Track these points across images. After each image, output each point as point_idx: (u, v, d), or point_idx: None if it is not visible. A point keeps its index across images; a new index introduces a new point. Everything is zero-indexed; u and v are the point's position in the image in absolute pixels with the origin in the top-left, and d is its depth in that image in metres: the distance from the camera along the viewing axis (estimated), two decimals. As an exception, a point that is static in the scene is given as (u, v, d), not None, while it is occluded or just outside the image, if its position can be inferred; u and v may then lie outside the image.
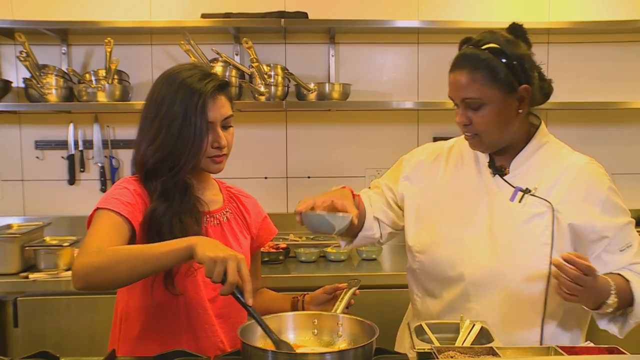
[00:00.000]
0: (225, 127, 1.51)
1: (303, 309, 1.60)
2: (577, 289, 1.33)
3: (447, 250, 1.59)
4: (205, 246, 1.23)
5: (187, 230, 1.43)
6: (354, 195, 1.61)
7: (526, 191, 1.52)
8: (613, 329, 1.50)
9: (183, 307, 1.49)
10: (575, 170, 1.53)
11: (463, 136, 1.60)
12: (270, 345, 1.33)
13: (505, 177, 1.56)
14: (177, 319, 1.50)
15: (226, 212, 1.62)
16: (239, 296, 1.23)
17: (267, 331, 1.27)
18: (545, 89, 1.56)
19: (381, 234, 1.75)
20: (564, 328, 1.55)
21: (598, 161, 1.59)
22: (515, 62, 1.46)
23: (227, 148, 1.52)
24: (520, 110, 1.50)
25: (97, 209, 1.41)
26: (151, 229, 1.42)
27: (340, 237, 1.73)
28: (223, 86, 1.51)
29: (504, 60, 1.45)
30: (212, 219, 1.56)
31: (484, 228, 1.55)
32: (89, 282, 1.28)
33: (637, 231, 1.54)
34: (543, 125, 1.59)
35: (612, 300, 1.39)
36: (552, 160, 1.55)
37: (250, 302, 1.24)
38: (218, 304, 1.53)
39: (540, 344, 1.49)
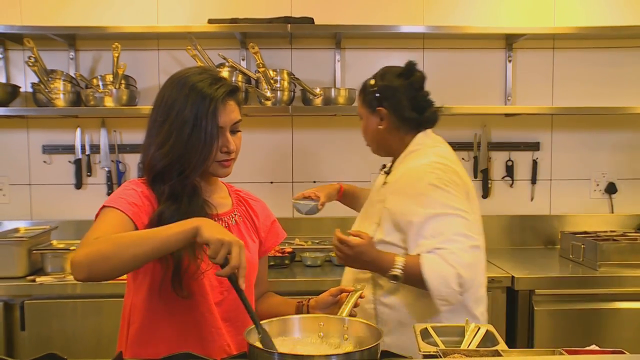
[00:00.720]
0: (233, 131, 1.52)
1: (308, 314, 1.61)
2: (337, 254, 1.81)
3: None
4: (212, 228, 1.26)
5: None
6: (341, 188, 2.33)
7: (384, 184, 1.95)
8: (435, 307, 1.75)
9: (189, 310, 1.50)
10: (410, 168, 1.87)
11: None
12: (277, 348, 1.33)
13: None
14: (184, 322, 1.50)
15: (235, 215, 1.62)
16: (235, 280, 1.28)
17: (255, 319, 1.30)
18: (431, 114, 1.95)
19: None
20: (393, 303, 1.85)
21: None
22: (374, 91, 1.93)
23: (235, 152, 1.53)
24: (380, 127, 1.93)
25: (104, 206, 1.42)
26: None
27: None
28: (233, 91, 1.51)
29: (368, 89, 1.96)
30: (220, 222, 1.56)
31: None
32: (92, 272, 1.26)
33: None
34: (418, 137, 1.92)
35: (395, 272, 1.73)
36: (409, 162, 1.89)
37: (243, 286, 1.29)
38: (224, 307, 1.54)
39: (375, 317, 1.85)
